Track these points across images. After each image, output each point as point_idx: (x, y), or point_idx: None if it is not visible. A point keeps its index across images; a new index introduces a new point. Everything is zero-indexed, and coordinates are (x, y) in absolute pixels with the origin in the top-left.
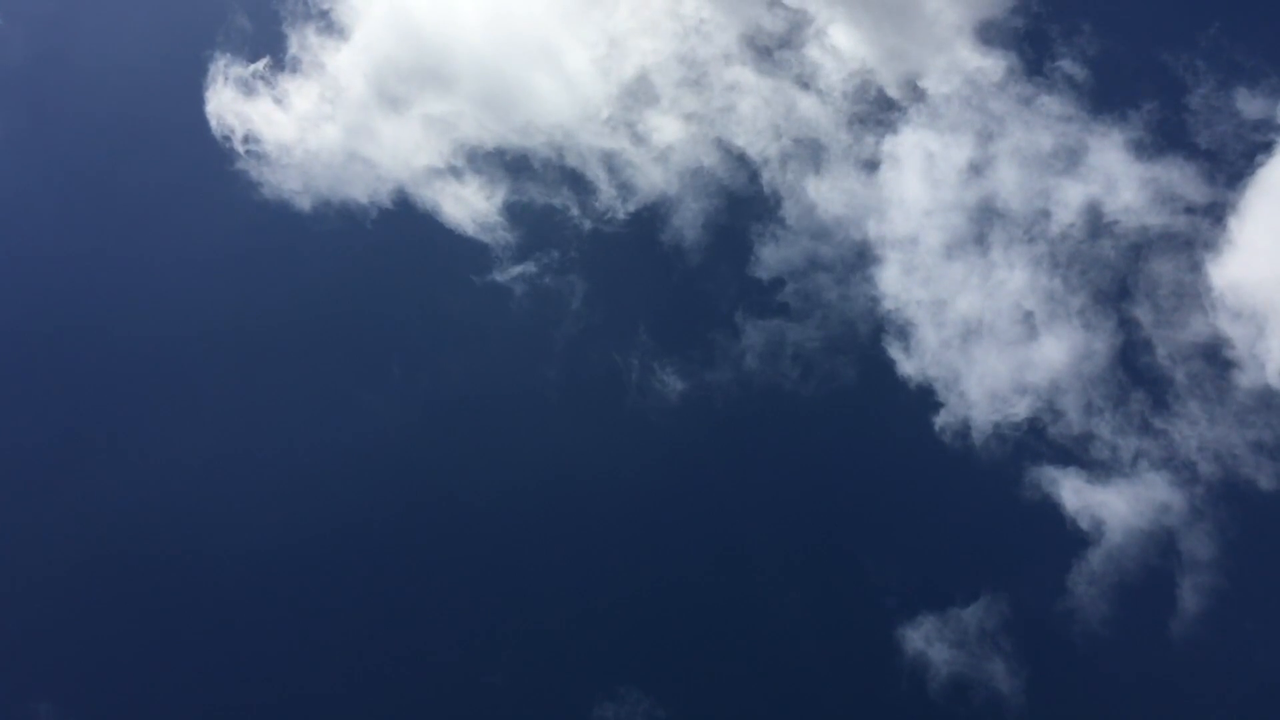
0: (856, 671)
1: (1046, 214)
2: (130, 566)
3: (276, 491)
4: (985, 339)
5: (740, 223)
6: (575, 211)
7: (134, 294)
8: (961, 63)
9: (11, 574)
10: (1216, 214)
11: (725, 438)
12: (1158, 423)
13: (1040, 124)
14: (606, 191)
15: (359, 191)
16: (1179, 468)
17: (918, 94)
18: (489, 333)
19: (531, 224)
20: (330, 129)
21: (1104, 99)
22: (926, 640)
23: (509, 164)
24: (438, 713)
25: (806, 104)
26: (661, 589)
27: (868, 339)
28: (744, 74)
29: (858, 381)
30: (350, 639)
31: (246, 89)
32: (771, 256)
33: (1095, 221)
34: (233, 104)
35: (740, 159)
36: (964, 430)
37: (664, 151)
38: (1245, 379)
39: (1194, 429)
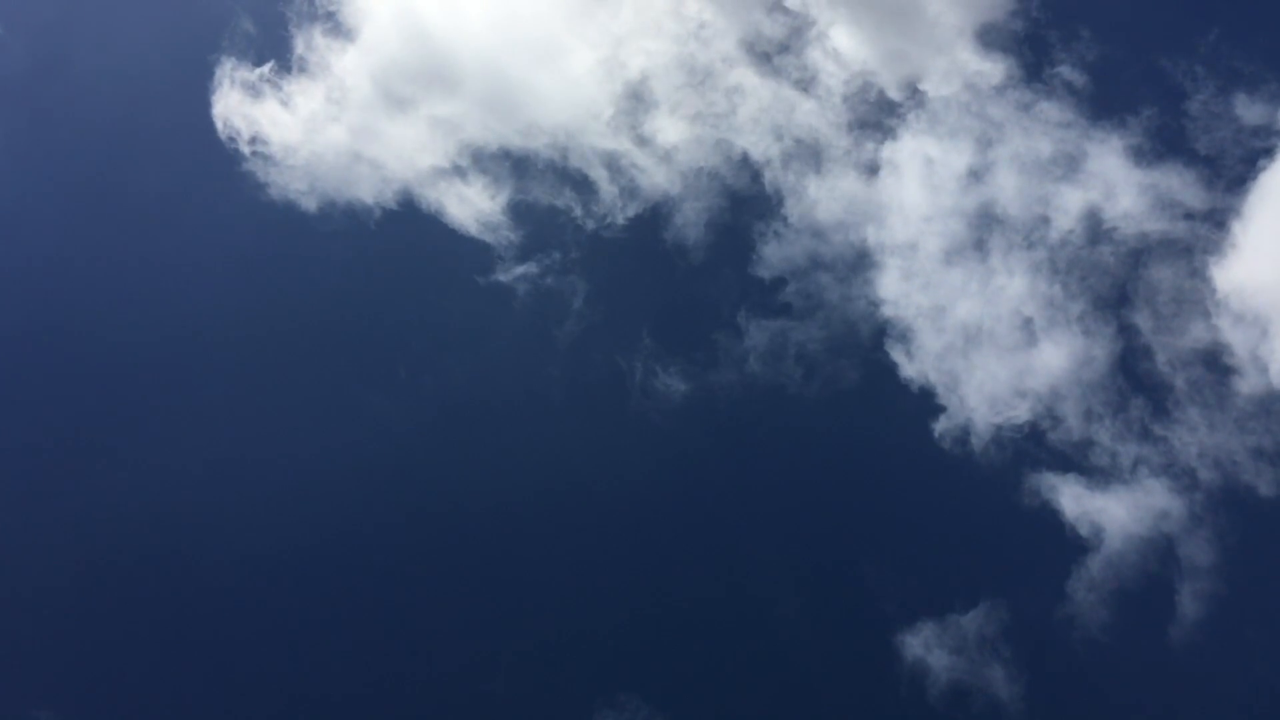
0: (856, 678)
1: (1046, 220)
2: (131, 572)
3: (279, 495)
4: (985, 345)
5: (742, 222)
6: (578, 212)
7: (141, 295)
8: (962, 65)
9: (12, 579)
10: (1216, 219)
11: (727, 442)
12: (1157, 429)
13: (1039, 130)
14: (609, 192)
15: (364, 192)
16: (1178, 474)
17: (918, 97)
18: (492, 333)
19: (535, 224)
20: (336, 130)
21: (1103, 105)
22: (926, 646)
23: (513, 164)
24: None
25: (808, 106)
26: (661, 595)
27: (870, 341)
28: (746, 76)
29: (860, 384)
30: (350, 647)
31: (253, 92)
32: (774, 255)
33: (1095, 228)
34: (239, 106)
35: (742, 160)
36: (963, 436)
37: (667, 152)
38: (1245, 385)
39: (1193, 435)
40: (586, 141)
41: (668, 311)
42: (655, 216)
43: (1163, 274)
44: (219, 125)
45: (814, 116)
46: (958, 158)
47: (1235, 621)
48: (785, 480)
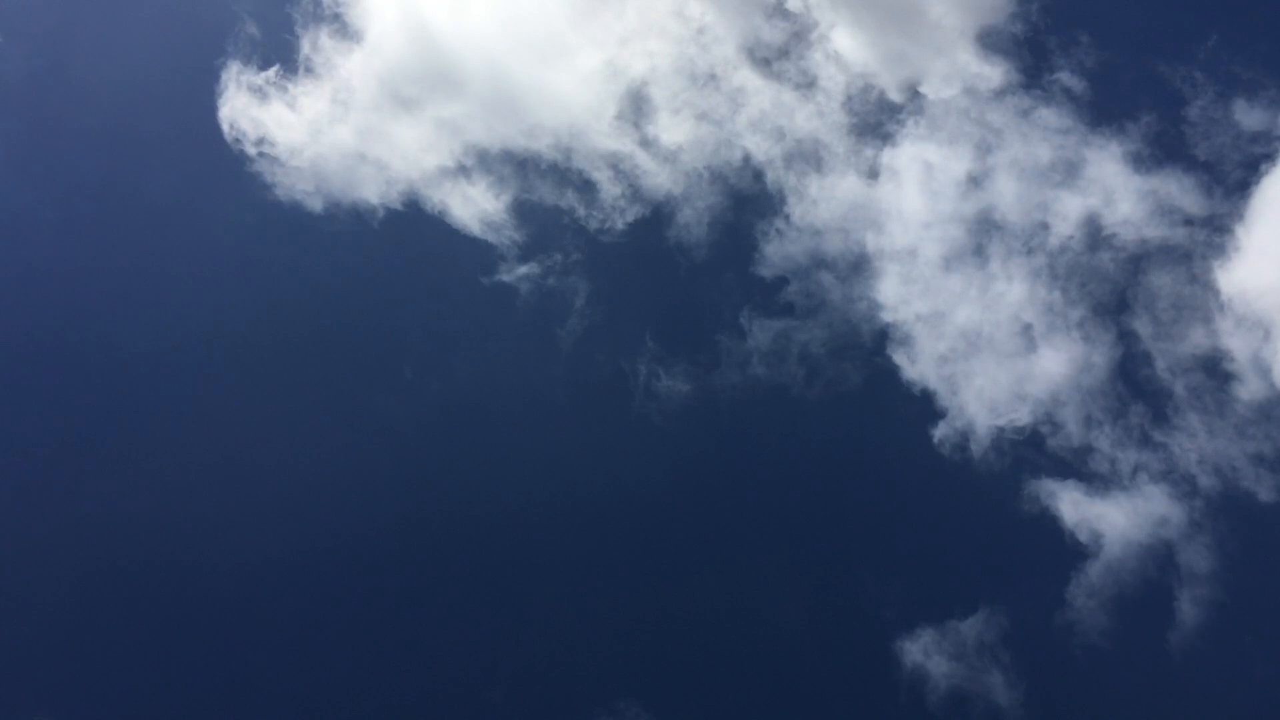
0: (855, 684)
1: (1045, 226)
2: (132, 577)
3: (281, 497)
4: (984, 351)
5: (745, 221)
6: (581, 212)
7: (149, 296)
8: (962, 67)
9: (12, 583)
10: (1216, 225)
11: (728, 446)
12: (1157, 435)
13: (1038, 136)
14: (612, 192)
15: (369, 192)
16: (1178, 481)
17: (918, 100)
18: (495, 333)
19: (538, 224)
20: (342, 131)
21: (1102, 111)
22: (925, 653)
23: (517, 165)
24: None
25: (810, 107)
26: (661, 601)
27: (872, 343)
28: (749, 77)
29: (862, 386)
30: (350, 654)
31: (259, 95)
32: (776, 254)
33: (1094, 234)
34: (245, 109)
35: (745, 160)
36: (963, 442)
37: (670, 153)
38: (1245, 391)
39: (1193, 442)
40: (590, 142)
41: (670, 312)
42: (658, 217)
43: (1162, 280)
44: (225, 128)
45: (815, 118)
46: (957, 164)
47: (1235, 628)
48: (786, 485)
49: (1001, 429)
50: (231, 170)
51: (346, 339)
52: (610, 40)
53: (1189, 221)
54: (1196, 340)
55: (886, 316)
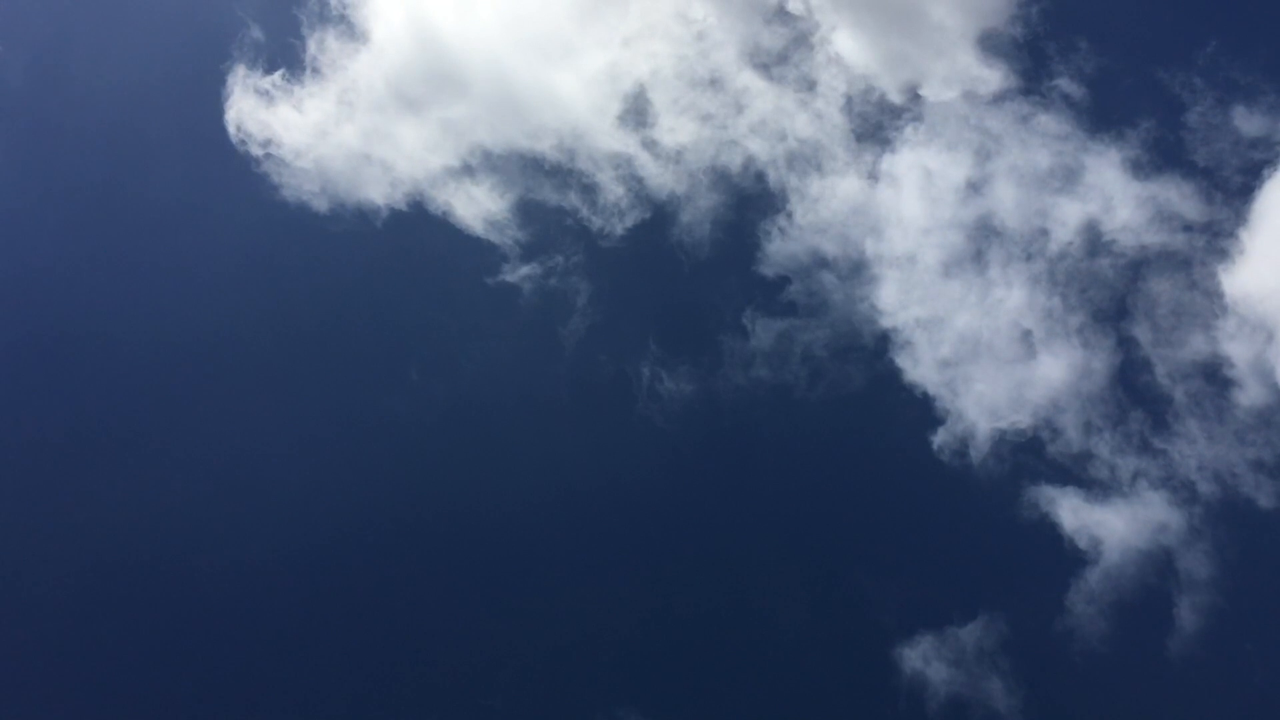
0: (854, 690)
1: (1044, 232)
2: (139, 574)
3: (284, 498)
4: (984, 357)
5: (747, 220)
6: (584, 212)
7: (156, 296)
8: (962, 70)
9: (12, 587)
10: (1215, 231)
11: (731, 448)
12: (1156, 442)
13: (1038, 142)
14: (615, 193)
15: (374, 193)
16: (1177, 487)
17: (918, 104)
18: (498, 333)
19: (541, 225)
20: (347, 131)
21: (1101, 117)
22: (924, 659)
23: (520, 165)
24: None
25: (811, 109)
26: (661, 605)
27: (874, 345)
28: (751, 78)
29: (864, 388)
30: (350, 659)
31: (265, 97)
32: (778, 253)
33: (1093, 240)
34: (252, 112)
35: (747, 161)
36: (962, 448)
37: (672, 155)
38: (1244, 398)
39: (1193, 448)
40: (593, 144)
41: (673, 312)
42: (660, 218)
43: (1162, 286)
44: (232, 130)
45: (817, 120)
46: (956, 170)
47: (1234, 634)
48: (787, 489)
49: (1001, 434)
50: (238, 171)
51: (351, 338)
52: (613, 42)
53: (1188, 228)
54: (1196, 346)
55: (886, 322)
